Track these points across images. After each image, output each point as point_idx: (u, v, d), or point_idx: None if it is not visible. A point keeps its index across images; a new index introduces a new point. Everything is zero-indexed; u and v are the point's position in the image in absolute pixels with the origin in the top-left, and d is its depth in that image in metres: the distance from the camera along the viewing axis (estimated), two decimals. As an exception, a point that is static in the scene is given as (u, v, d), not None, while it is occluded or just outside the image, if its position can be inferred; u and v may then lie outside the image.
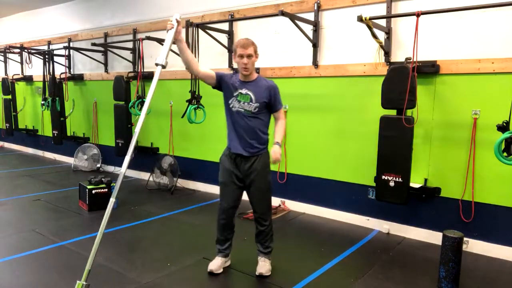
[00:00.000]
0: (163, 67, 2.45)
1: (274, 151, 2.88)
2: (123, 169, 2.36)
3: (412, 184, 3.80)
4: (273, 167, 5.03)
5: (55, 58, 7.45)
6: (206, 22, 5.22)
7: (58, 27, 8.00)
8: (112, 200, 2.32)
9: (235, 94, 2.88)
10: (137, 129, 2.43)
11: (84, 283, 2.19)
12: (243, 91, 2.87)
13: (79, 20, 7.55)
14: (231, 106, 2.90)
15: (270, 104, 2.92)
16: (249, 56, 2.79)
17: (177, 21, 2.52)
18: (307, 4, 4.58)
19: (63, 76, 7.35)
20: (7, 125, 8.55)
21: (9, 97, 8.45)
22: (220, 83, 2.93)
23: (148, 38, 5.40)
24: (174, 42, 2.57)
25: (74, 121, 7.75)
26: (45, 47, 8.10)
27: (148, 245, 3.71)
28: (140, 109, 5.89)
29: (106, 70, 7.07)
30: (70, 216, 4.47)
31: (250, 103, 2.86)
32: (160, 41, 5.49)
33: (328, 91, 4.54)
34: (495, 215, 3.59)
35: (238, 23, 5.22)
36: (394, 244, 3.85)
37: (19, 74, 8.71)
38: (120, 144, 6.18)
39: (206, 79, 2.91)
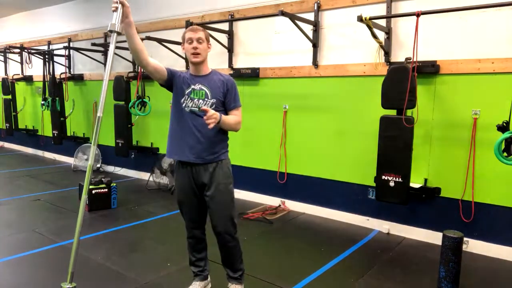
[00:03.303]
0: (119, 33, 2.17)
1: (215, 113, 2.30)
2: (90, 161, 2.13)
3: (412, 184, 3.80)
4: (270, 167, 5.10)
5: (55, 58, 7.46)
6: (206, 22, 5.22)
7: (58, 27, 8.00)
8: (84, 197, 2.20)
9: (187, 91, 2.48)
10: (99, 114, 2.13)
11: (69, 285, 2.16)
12: (197, 86, 2.47)
13: (79, 20, 7.55)
14: (183, 106, 2.48)
15: (225, 101, 2.50)
16: (199, 40, 2.41)
17: (121, 2, 2.14)
18: (307, 4, 4.58)
19: (63, 76, 7.35)
20: (7, 125, 8.55)
21: (9, 97, 8.45)
22: (171, 79, 2.52)
23: (148, 38, 5.39)
24: (118, 33, 2.18)
25: (74, 121, 7.75)
26: (45, 47, 8.10)
27: (148, 245, 3.71)
28: (140, 109, 5.89)
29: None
30: (70, 216, 4.47)
31: (206, 99, 2.46)
32: (160, 41, 5.49)
33: (328, 91, 4.54)
34: (495, 215, 3.59)
35: (238, 23, 5.22)
36: (394, 244, 3.85)
37: (19, 74, 8.71)
38: (120, 144, 6.18)
39: (155, 73, 2.46)
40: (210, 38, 2.69)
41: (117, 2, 2.14)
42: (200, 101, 2.46)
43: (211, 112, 2.28)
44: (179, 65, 5.58)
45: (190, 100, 2.47)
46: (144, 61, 2.38)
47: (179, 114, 2.52)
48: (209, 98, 2.47)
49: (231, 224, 2.58)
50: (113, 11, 2.15)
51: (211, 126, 2.29)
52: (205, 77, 2.52)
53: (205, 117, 2.28)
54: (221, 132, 2.53)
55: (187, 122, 2.48)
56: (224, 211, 2.55)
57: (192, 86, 2.49)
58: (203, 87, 2.48)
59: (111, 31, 2.15)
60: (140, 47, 2.35)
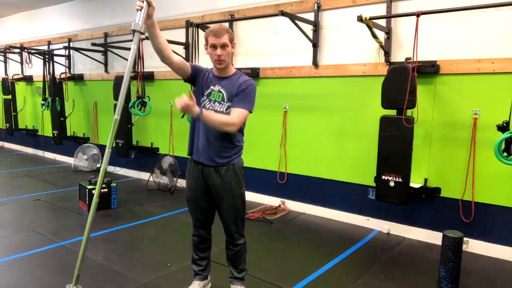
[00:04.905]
0: (142, 33, 2.15)
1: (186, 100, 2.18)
2: (104, 165, 2.13)
3: (412, 184, 3.80)
4: (270, 167, 5.09)
5: (55, 58, 7.46)
6: (206, 22, 5.22)
7: (58, 27, 8.00)
8: (96, 200, 2.19)
9: (207, 92, 2.45)
10: (116, 116, 2.12)
11: (75, 287, 2.15)
12: (216, 88, 2.44)
13: (79, 20, 7.55)
14: (202, 106, 2.43)
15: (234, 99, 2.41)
16: (223, 46, 2.34)
17: (147, 1, 2.11)
18: (307, 4, 4.58)
19: (63, 76, 7.35)
20: (7, 125, 8.55)
21: (9, 97, 8.45)
22: (194, 76, 2.49)
23: (148, 38, 5.41)
24: (141, 33, 2.18)
25: (74, 121, 7.75)
26: (45, 47, 8.10)
27: (148, 245, 3.71)
28: (140, 109, 5.89)
29: (106, 70, 7.07)
30: (70, 216, 4.47)
31: (222, 102, 2.42)
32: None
33: (328, 91, 4.54)
34: (495, 215, 3.59)
35: (238, 23, 5.22)
36: (394, 244, 3.85)
37: (19, 74, 8.71)
38: (120, 144, 6.18)
39: (179, 71, 2.44)
40: None
41: (143, 1, 2.11)
42: (216, 103, 2.43)
43: (186, 100, 2.15)
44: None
45: (209, 102, 2.44)
46: (168, 59, 2.36)
47: None
48: (225, 101, 2.42)
49: (241, 225, 2.61)
50: (138, 10, 2.12)
51: (179, 107, 2.18)
52: (227, 79, 2.46)
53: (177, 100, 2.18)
54: (235, 138, 2.49)
55: (202, 123, 2.43)
56: (235, 212, 2.56)
57: (212, 87, 2.45)
58: (221, 90, 2.43)
59: (134, 31, 2.12)
60: (165, 46, 2.34)
